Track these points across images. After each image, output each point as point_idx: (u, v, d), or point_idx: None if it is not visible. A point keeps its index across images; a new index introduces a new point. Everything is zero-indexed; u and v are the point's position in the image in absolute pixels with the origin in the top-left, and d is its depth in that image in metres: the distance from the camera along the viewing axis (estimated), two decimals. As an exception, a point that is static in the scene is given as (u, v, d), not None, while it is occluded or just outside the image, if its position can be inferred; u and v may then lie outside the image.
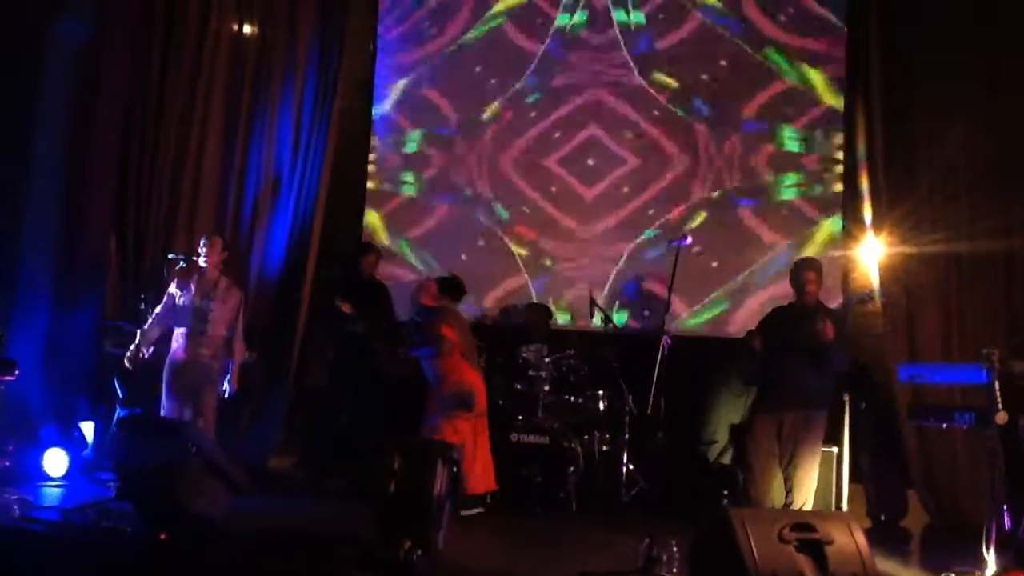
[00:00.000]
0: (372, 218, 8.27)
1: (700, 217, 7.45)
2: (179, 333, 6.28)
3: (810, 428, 5.42)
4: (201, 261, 6.31)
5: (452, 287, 6.51)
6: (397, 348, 6.82)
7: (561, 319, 7.62)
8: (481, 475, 6.06)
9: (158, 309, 6.35)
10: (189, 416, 6.15)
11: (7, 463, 6.28)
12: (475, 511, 5.93)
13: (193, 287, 6.28)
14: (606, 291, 7.53)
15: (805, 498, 5.38)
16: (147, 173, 7.62)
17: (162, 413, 6.22)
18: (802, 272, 5.60)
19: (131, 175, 7.58)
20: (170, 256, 6.60)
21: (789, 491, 5.39)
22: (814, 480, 5.44)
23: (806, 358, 5.38)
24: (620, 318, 7.39)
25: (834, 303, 6.29)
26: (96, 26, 7.30)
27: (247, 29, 8.00)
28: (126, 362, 6.31)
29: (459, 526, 5.50)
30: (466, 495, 5.88)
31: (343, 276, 7.38)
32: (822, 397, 5.49)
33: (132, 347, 6.28)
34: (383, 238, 8.12)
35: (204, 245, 6.35)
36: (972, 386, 5.02)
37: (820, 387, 5.47)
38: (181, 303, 6.28)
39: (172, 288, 6.33)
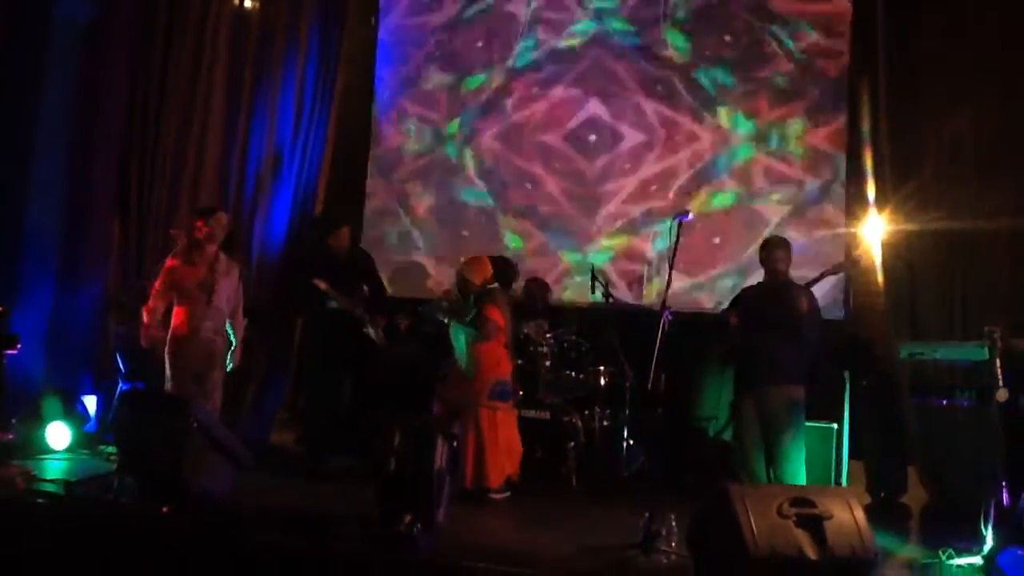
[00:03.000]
0: (374, 192, 8.27)
1: (702, 194, 7.44)
2: (181, 310, 6.24)
3: (788, 403, 5.42)
4: (205, 236, 6.25)
5: (505, 272, 6.25)
6: (390, 319, 6.72)
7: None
8: (510, 461, 5.94)
9: (158, 284, 6.24)
10: (195, 395, 5.99)
11: (10, 436, 6.31)
12: (506, 494, 5.86)
13: (197, 261, 6.23)
14: (608, 266, 7.53)
15: (793, 472, 5.38)
16: (150, 150, 7.59)
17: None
18: (773, 250, 5.62)
19: (134, 153, 7.55)
20: (172, 232, 6.58)
21: (775, 466, 5.39)
22: (801, 454, 5.43)
23: (781, 334, 5.40)
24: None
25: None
26: (99, 4, 7.27)
27: (248, 4, 7.96)
28: (142, 342, 6.26)
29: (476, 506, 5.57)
30: (501, 483, 5.83)
31: (317, 249, 6.91)
32: (798, 372, 5.48)
33: (143, 327, 6.20)
34: (383, 214, 8.12)
35: (210, 221, 6.29)
36: (973, 364, 5.01)
37: (795, 362, 5.47)
38: (183, 279, 6.24)
39: (172, 263, 6.27)
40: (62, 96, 7.18)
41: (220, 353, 6.18)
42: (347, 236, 6.81)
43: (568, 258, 7.76)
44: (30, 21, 7.04)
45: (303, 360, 7.53)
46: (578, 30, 7.88)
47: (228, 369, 6.25)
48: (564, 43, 7.91)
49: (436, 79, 8.23)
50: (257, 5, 7.97)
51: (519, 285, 7.21)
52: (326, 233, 6.78)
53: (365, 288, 6.67)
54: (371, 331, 6.65)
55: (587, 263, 7.40)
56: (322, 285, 6.44)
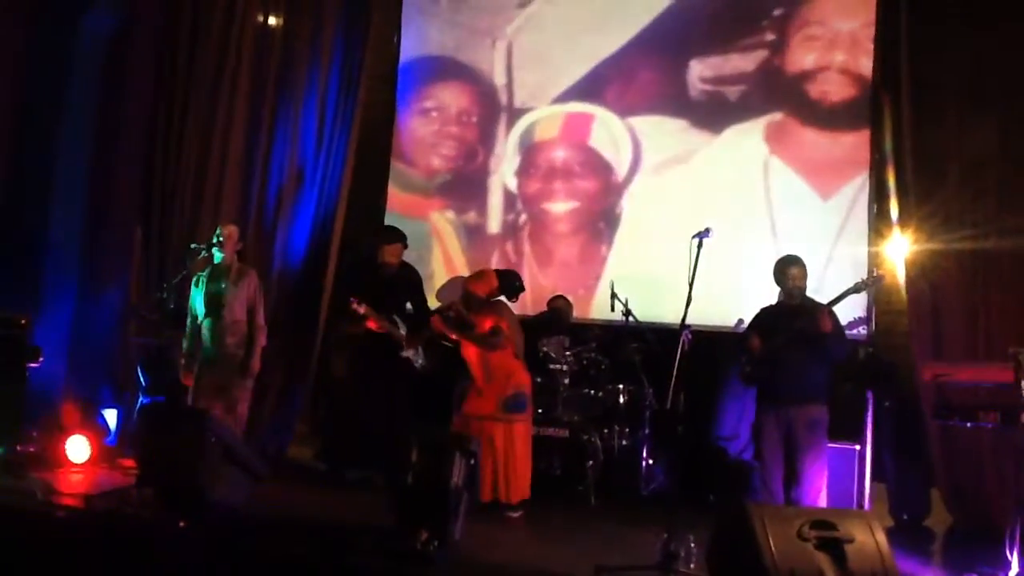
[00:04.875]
0: (395, 209, 8.30)
1: (723, 212, 7.39)
2: (202, 326, 6.26)
3: (812, 422, 5.37)
4: (215, 251, 6.28)
5: (511, 286, 6.28)
6: (420, 336, 6.69)
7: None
8: (525, 480, 5.91)
9: (188, 321, 6.32)
10: (220, 411, 6.02)
11: (31, 448, 6.35)
12: (520, 512, 5.84)
13: (207, 277, 6.28)
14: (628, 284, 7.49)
15: (815, 493, 5.32)
16: (173, 163, 7.66)
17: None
18: (787, 268, 5.58)
19: (157, 165, 7.63)
20: (191, 246, 6.61)
21: (797, 486, 5.34)
22: (823, 474, 5.38)
23: (803, 352, 5.35)
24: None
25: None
26: (124, 17, 7.35)
27: (272, 20, 8.03)
28: (182, 379, 6.29)
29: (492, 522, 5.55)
30: (518, 501, 5.82)
31: (364, 264, 6.96)
32: (821, 391, 5.45)
33: (183, 364, 6.27)
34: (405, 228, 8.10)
35: (219, 235, 6.29)
36: (997, 386, 4.95)
37: (818, 381, 5.43)
38: (200, 295, 6.28)
39: (192, 289, 6.33)
40: (85, 108, 7.27)
41: (243, 365, 6.18)
42: (398, 252, 6.80)
43: (588, 275, 7.73)
44: (55, 33, 7.12)
45: (331, 372, 7.53)
46: (600, 47, 7.88)
47: (245, 375, 6.23)
48: (586, 61, 7.91)
49: (458, 95, 8.25)
50: (280, 21, 8.03)
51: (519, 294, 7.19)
52: (378, 247, 6.76)
53: (409, 305, 6.63)
54: (410, 353, 6.62)
55: (607, 280, 7.38)
56: (361, 309, 6.38)
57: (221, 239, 6.25)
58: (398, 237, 6.90)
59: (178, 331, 6.52)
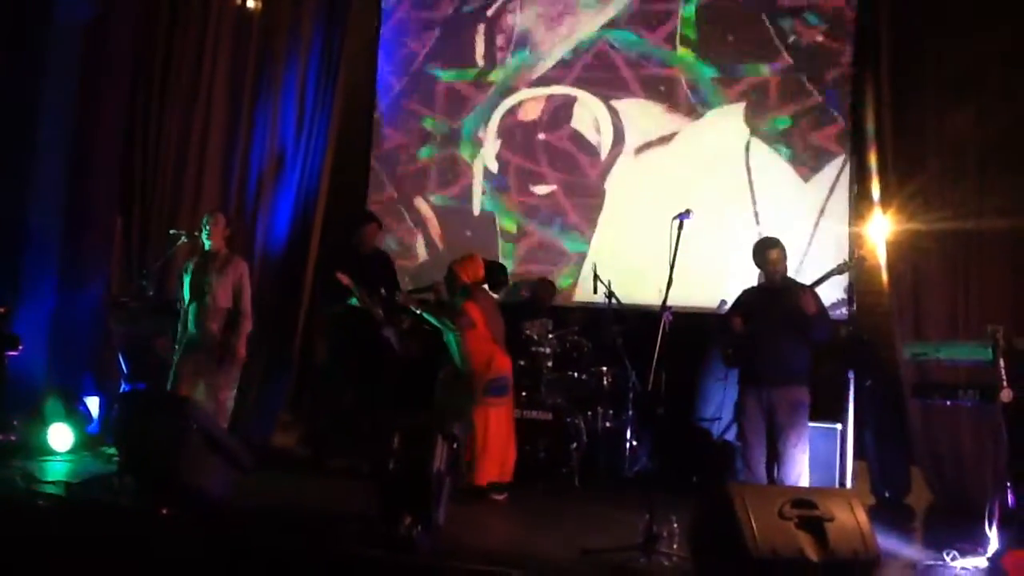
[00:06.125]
0: (377, 192, 8.26)
1: (704, 193, 7.40)
2: (187, 311, 6.25)
3: (794, 403, 5.40)
4: (204, 238, 6.28)
5: (495, 278, 6.36)
6: (399, 317, 6.69)
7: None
8: (506, 463, 5.95)
9: (179, 307, 6.31)
10: (203, 395, 6.06)
11: (12, 437, 6.31)
12: (504, 495, 5.88)
13: (194, 264, 6.26)
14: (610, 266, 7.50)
15: (798, 473, 5.36)
16: (152, 151, 7.61)
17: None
18: (767, 251, 5.59)
19: (136, 153, 7.57)
20: (171, 232, 6.57)
21: (779, 467, 5.37)
22: (805, 455, 5.41)
23: (785, 334, 5.38)
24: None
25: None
26: (100, 4, 7.27)
27: (251, 3, 7.94)
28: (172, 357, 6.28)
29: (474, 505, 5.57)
30: (497, 483, 5.85)
31: (342, 246, 7.06)
32: (803, 372, 5.48)
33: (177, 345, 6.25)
34: (385, 214, 8.08)
35: (207, 222, 6.31)
36: (977, 364, 4.99)
37: (800, 362, 5.46)
38: (186, 282, 6.26)
39: (181, 276, 6.33)
40: (63, 96, 7.18)
41: (227, 351, 6.16)
42: (374, 233, 7.00)
43: (570, 258, 7.73)
44: (31, 20, 7.03)
45: (313, 356, 7.52)
46: (581, 30, 7.86)
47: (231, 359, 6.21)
48: (567, 43, 7.88)
49: (438, 79, 8.20)
50: (259, 4, 7.95)
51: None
52: (355, 228, 6.92)
53: (383, 290, 6.66)
54: (390, 333, 6.62)
55: (589, 263, 7.38)
56: (345, 280, 6.43)
57: (208, 227, 6.25)
58: (373, 218, 7.13)
59: (159, 318, 6.49)
